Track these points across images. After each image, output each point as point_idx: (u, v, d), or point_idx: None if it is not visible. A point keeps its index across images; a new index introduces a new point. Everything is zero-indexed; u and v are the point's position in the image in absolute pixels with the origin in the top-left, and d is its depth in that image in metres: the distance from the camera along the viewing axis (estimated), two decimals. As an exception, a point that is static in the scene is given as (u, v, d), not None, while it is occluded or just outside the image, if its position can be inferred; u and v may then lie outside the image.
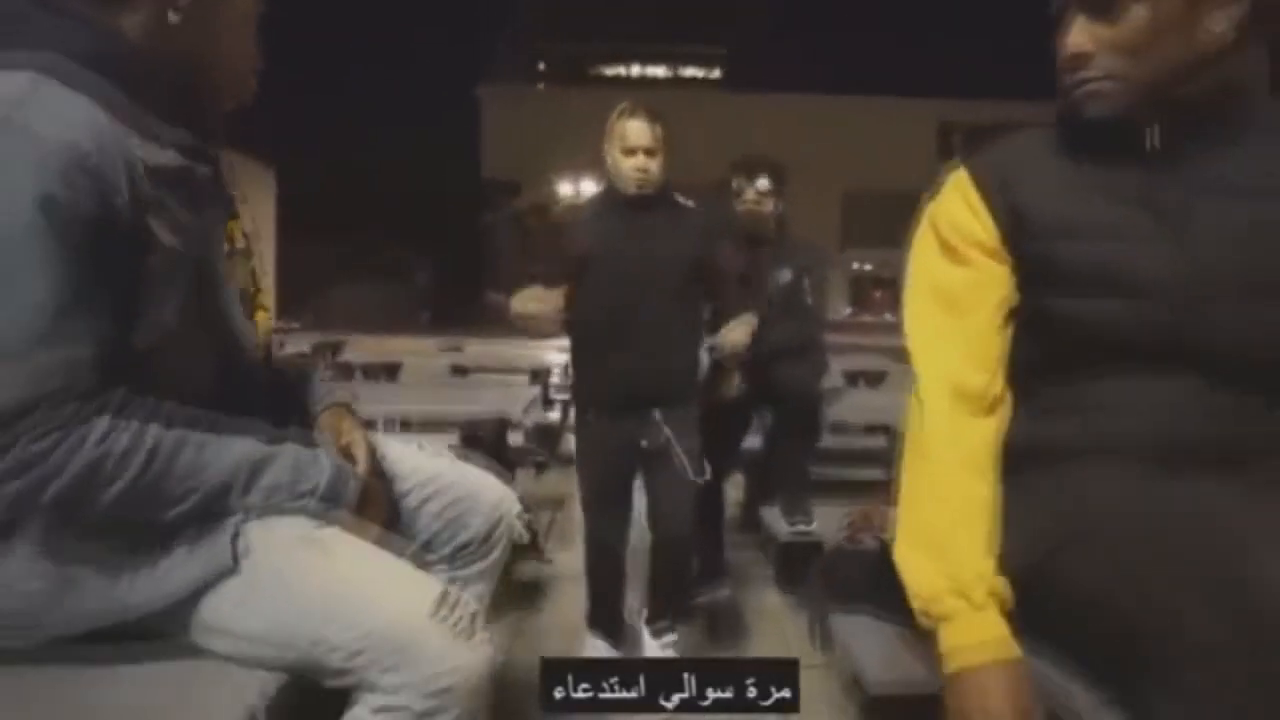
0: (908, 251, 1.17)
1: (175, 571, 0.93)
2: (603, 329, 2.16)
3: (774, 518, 2.84)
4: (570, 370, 2.35)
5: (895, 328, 1.28)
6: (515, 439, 3.88)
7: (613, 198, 2.19)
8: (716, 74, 42.86)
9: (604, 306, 2.15)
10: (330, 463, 1.04)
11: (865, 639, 1.57)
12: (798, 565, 2.76)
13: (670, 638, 2.28)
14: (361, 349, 6.26)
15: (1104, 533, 0.89)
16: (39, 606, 0.91)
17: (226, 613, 0.94)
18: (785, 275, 2.80)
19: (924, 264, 1.14)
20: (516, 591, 2.96)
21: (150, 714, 0.85)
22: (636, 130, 2.10)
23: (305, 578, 0.94)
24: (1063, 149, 1.06)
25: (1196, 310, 0.93)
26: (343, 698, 0.96)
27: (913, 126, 33.42)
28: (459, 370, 5.09)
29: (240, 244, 1.18)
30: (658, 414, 2.17)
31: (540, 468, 4.34)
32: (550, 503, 3.91)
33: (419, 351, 5.72)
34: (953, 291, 1.09)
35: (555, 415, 5.23)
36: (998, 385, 1.06)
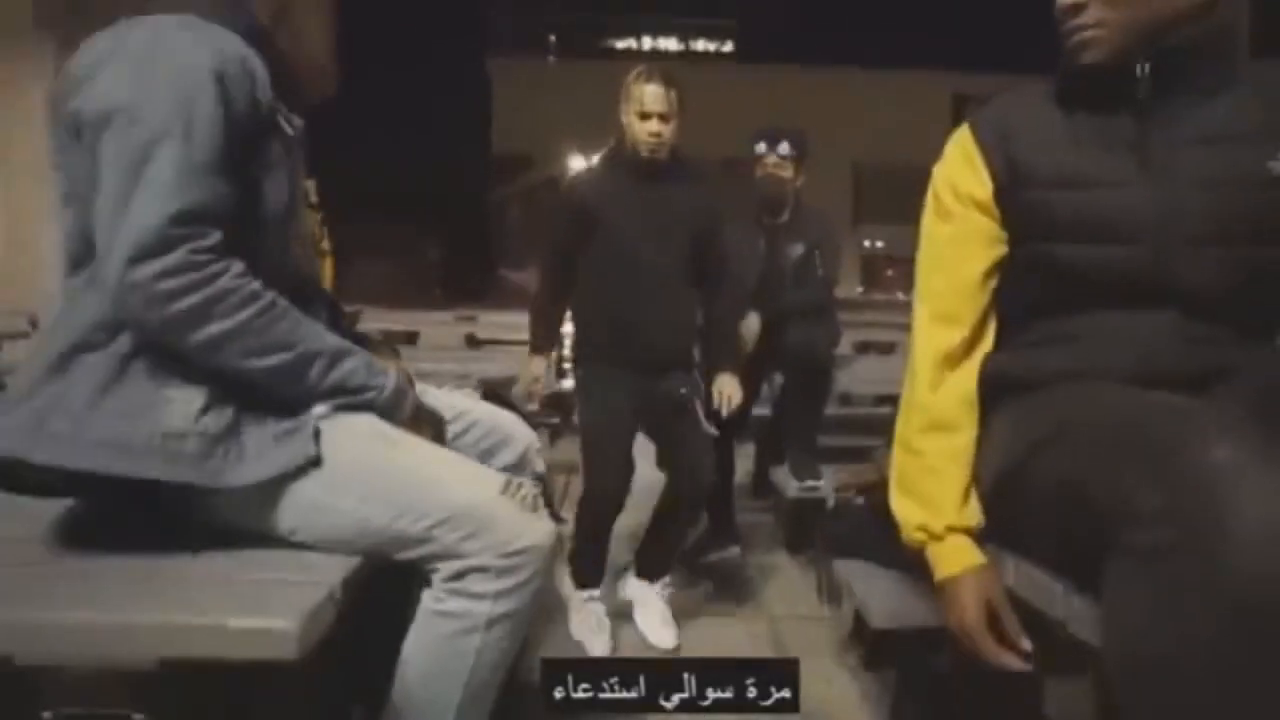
0: (918, 230, 1.29)
1: (264, 457, 1.03)
2: (613, 289, 2.22)
3: (783, 476, 2.92)
4: (575, 328, 2.41)
5: (908, 306, 1.37)
6: (530, 405, 3.96)
7: (623, 159, 2.24)
8: (729, 47, 42.45)
9: (614, 266, 2.21)
10: (395, 376, 1.16)
11: (866, 582, 1.71)
12: (806, 523, 2.85)
13: (665, 580, 2.36)
14: (378, 320, 6.35)
15: (1077, 430, 0.98)
16: (147, 447, 0.99)
17: (317, 497, 1.04)
18: (798, 249, 2.90)
19: (924, 225, 1.26)
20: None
21: (234, 594, 0.94)
22: (653, 95, 2.14)
23: (386, 463, 1.07)
24: (1060, 102, 1.15)
25: (1176, 251, 1.03)
26: (401, 585, 1.09)
27: (926, 100, 33.05)
28: (473, 341, 5.18)
29: (313, 199, 1.30)
30: (675, 372, 2.25)
31: (554, 433, 4.45)
32: (564, 468, 4.02)
33: (434, 322, 5.79)
34: (941, 252, 1.22)
35: (569, 383, 5.30)
36: (979, 337, 1.20)
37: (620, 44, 41.88)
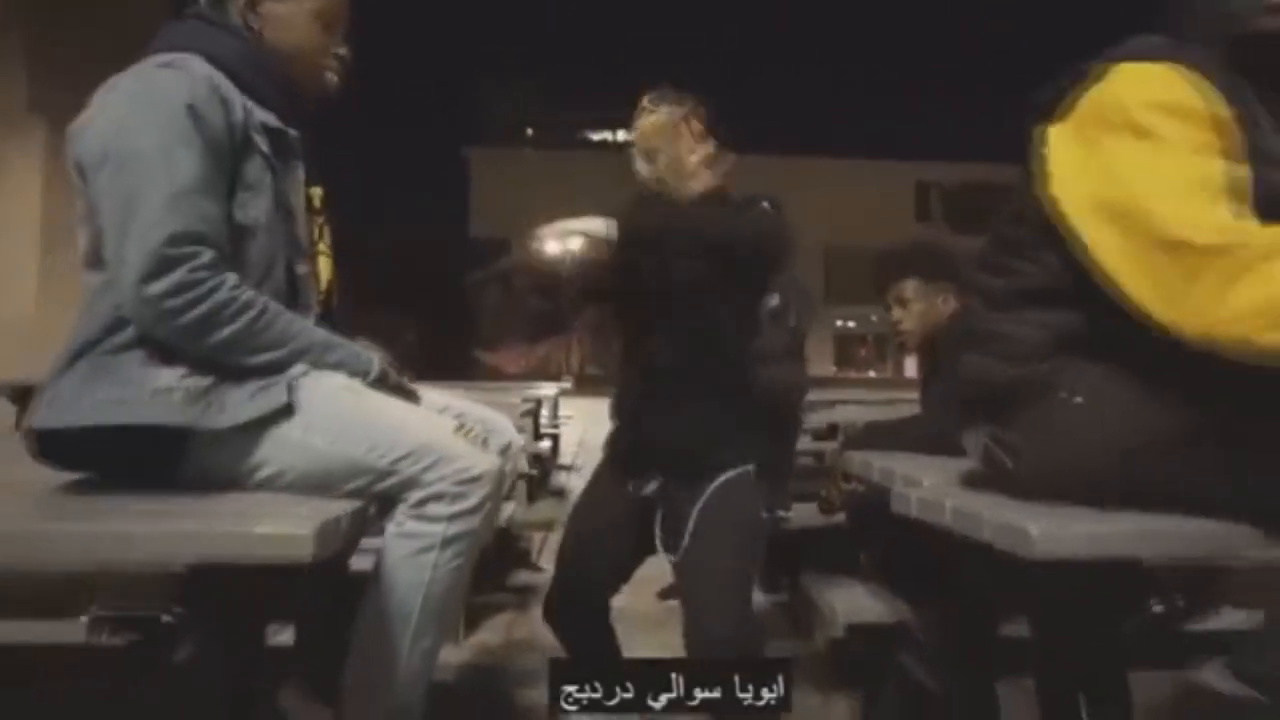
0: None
1: (244, 405, 1.15)
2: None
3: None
4: None
5: (879, 383, 1.48)
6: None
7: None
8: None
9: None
10: (380, 359, 1.30)
11: (836, 589, 1.82)
12: (777, 555, 2.92)
13: None
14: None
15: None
16: (149, 400, 1.13)
17: (296, 438, 1.16)
18: (774, 299, 3.07)
19: (1130, 158, 1.05)
20: (512, 595, 3.12)
21: (254, 510, 1.06)
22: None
23: (355, 408, 1.21)
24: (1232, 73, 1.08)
25: None
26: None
27: (892, 186, 34.31)
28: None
29: (315, 204, 1.41)
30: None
31: (531, 493, 4.52)
32: (541, 525, 4.13)
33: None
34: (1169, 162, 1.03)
35: (546, 445, 5.38)
36: None
37: (595, 135, 43.25)
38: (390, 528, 1.18)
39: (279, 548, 0.92)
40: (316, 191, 1.42)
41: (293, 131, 1.33)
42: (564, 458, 7.06)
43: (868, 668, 1.98)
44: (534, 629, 2.64)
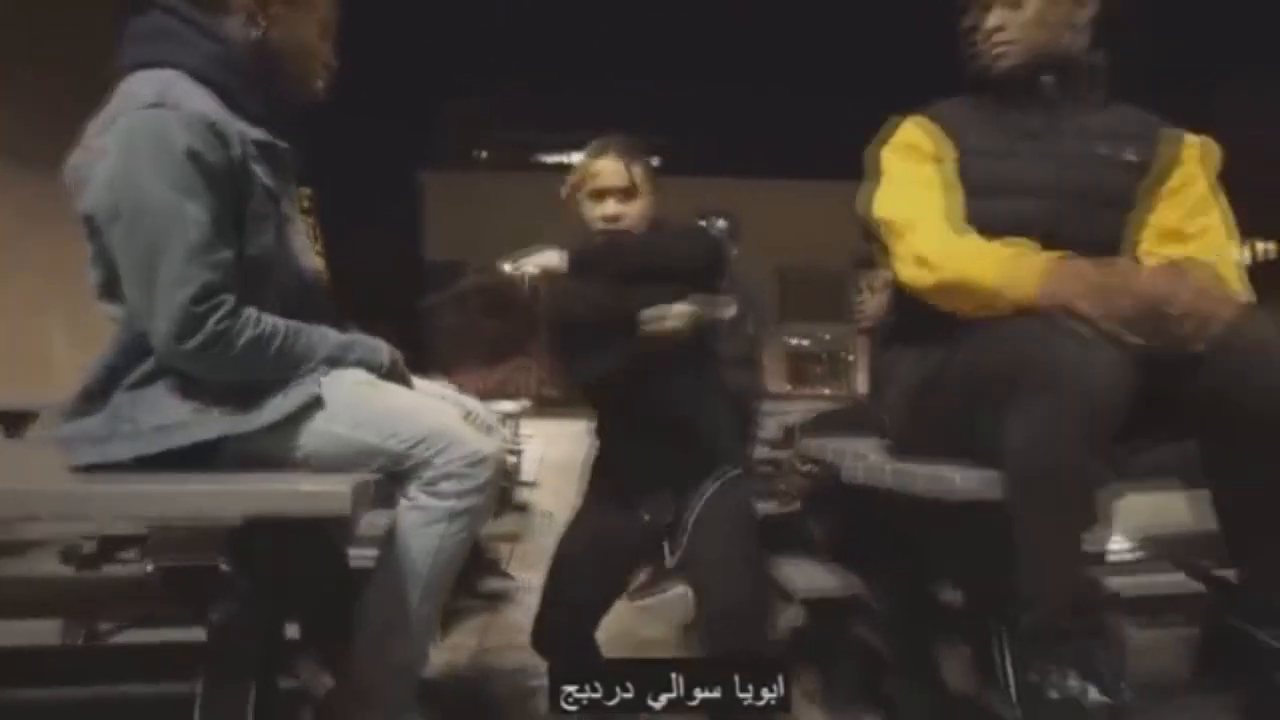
0: (839, 327, 1.68)
1: (277, 405, 1.28)
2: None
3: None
4: None
5: (831, 399, 1.73)
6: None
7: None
8: (656, 161, 44.36)
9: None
10: (390, 350, 1.44)
11: (796, 568, 1.99)
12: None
13: None
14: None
15: (981, 342, 1.33)
16: (190, 420, 1.26)
17: (322, 427, 1.29)
18: (732, 309, 3.25)
19: (882, 194, 1.60)
20: (484, 600, 3.23)
21: (297, 474, 1.25)
22: (605, 170, 1.78)
23: (373, 400, 1.36)
24: (980, 104, 1.57)
25: (1059, 211, 1.44)
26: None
27: (843, 207, 34.90)
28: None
29: (305, 204, 1.54)
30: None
31: (497, 502, 4.61)
32: (507, 538, 4.26)
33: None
34: (908, 189, 1.56)
35: (512, 460, 5.48)
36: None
37: (550, 159, 43.41)
38: (404, 502, 1.32)
39: (322, 502, 1.07)
40: (305, 192, 1.56)
41: (282, 144, 1.40)
42: (526, 475, 7.14)
43: (827, 644, 2.14)
44: (507, 632, 2.77)
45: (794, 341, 34.44)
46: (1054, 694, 1.15)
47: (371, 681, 1.33)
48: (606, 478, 1.90)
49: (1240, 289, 1.38)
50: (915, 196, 1.50)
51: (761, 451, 3.46)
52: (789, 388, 33.18)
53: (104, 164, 1.23)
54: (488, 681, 2.42)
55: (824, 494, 2.26)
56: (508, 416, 6.14)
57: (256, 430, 1.27)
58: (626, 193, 1.77)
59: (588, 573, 1.82)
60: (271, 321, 1.29)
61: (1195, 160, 1.49)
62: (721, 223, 3.25)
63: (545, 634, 1.83)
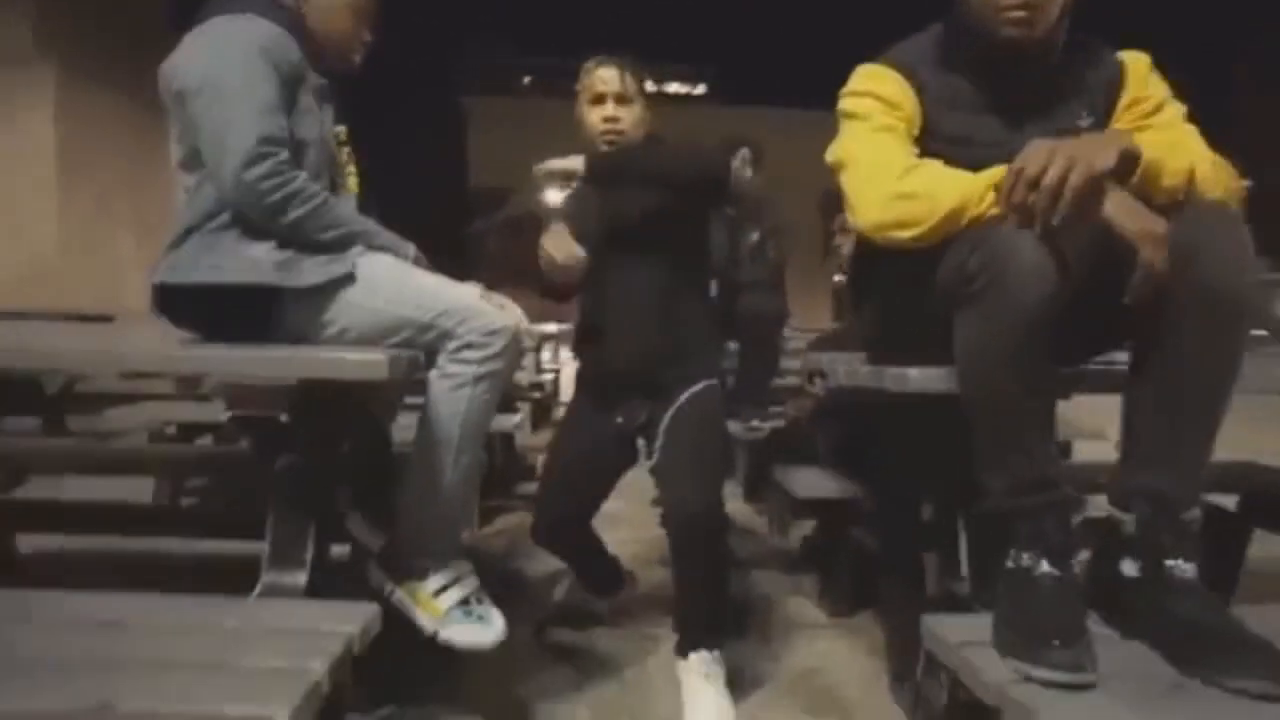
0: None
1: (315, 271, 1.49)
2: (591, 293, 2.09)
3: (735, 429, 3.30)
4: None
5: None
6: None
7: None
8: (701, 90, 43.52)
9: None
10: (413, 248, 1.64)
11: (797, 474, 2.15)
12: (754, 463, 3.29)
13: (714, 654, 1.75)
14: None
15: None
16: (246, 266, 1.48)
17: (358, 299, 1.50)
18: (753, 236, 3.37)
19: (846, 142, 1.60)
20: (520, 500, 3.48)
21: (343, 349, 1.44)
22: (604, 76, 1.93)
23: (403, 276, 1.55)
24: (948, 60, 1.57)
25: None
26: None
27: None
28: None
29: (342, 137, 1.76)
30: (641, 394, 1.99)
31: (536, 416, 4.87)
32: (544, 448, 4.46)
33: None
34: (873, 139, 1.55)
35: (549, 378, 5.74)
36: None
37: (595, 84, 42.63)
38: (433, 373, 1.51)
39: (364, 370, 1.30)
40: (341, 129, 1.76)
41: (325, 80, 1.68)
42: (563, 395, 7.41)
43: (826, 547, 2.33)
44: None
45: (837, 278, 34.03)
46: (1009, 564, 1.27)
47: (419, 532, 1.53)
48: (588, 387, 2.03)
49: (1205, 155, 1.39)
50: (874, 141, 1.53)
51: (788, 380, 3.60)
52: (834, 325, 32.92)
53: (195, 53, 1.52)
54: (523, 559, 2.67)
55: (827, 409, 2.44)
56: (548, 338, 6.40)
57: (301, 293, 1.47)
58: (621, 98, 1.92)
59: (573, 476, 1.97)
60: (316, 185, 1.53)
61: (1140, 80, 1.54)
62: (745, 150, 3.36)
63: (543, 532, 1.99)
